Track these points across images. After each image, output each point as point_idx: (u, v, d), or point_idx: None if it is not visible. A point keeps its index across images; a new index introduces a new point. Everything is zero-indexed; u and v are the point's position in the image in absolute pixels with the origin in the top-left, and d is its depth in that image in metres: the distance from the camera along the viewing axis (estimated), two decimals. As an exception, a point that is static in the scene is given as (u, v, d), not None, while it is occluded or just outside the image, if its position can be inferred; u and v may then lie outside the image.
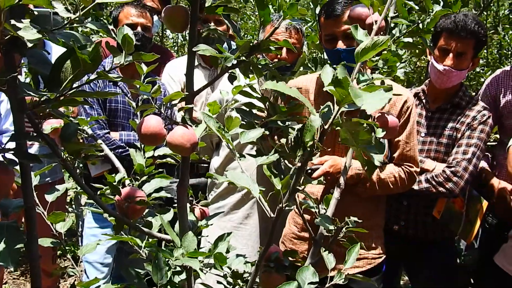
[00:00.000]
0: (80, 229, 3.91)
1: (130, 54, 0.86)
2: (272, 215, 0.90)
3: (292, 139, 0.82)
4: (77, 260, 3.87)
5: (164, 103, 1.14)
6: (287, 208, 0.86)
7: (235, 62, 1.09)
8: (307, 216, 1.98)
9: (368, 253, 2.06)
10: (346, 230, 1.30)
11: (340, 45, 1.95)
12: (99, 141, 1.78)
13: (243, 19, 6.41)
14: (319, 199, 2.00)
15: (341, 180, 1.38)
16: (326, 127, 0.78)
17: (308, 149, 0.78)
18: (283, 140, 0.86)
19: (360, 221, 1.30)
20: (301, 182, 0.85)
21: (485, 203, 2.41)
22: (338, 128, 0.75)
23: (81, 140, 2.35)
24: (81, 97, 0.90)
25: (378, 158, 0.77)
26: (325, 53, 2.59)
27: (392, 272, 2.65)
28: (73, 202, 4.44)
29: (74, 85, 0.83)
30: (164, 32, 6.78)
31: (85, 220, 2.90)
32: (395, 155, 2.02)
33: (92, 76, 0.85)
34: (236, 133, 1.13)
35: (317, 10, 2.68)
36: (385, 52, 1.44)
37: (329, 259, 0.97)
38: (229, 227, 2.45)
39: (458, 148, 2.29)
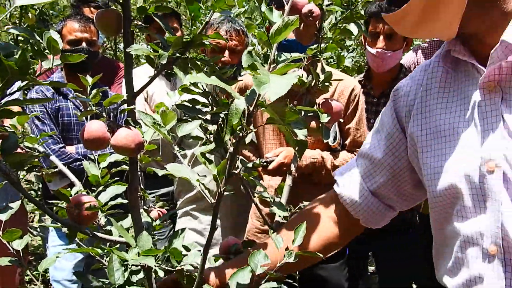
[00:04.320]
0: (47, 251, 3.86)
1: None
2: (213, 201, 0.92)
3: (220, 124, 0.84)
4: (47, 283, 3.80)
5: (106, 107, 1.14)
6: (226, 193, 0.88)
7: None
8: (266, 209, 2.01)
9: (331, 239, 2.10)
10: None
11: (290, 35, 2.00)
12: (53, 157, 1.77)
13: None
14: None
15: (292, 168, 1.41)
16: (251, 109, 0.80)
17: (238, 132, 0.80)
18: (214, 127, 0.89)
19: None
20: (236, 166, 0.87)
21: None
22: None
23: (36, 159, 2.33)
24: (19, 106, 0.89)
25: (302, 133, 0.79)
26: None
27: (360, 259, 2.70)
28: (37, 224, 4.37)
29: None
30: (118, 45, 6.72)
31: (49, 238, 2.86)
32: (347, 142, 2.08)
33: (23, 84, 0.85)
34: (195, 141, 1.14)
35: (263, 7, 2.69)
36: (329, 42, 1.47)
37: (278, 240, 1.00)
38: (200, 228, 2.47)
39: None
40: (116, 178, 1.61)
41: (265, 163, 1.91)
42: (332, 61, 3.66)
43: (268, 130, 2.15)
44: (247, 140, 0.88)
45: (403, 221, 2.52)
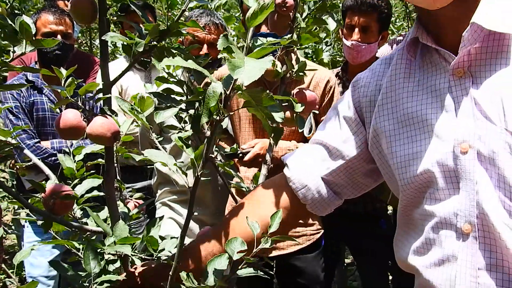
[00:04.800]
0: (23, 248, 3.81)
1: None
2: (190, 185, 0.92)
3: (197, 108, 0.85)
4: (23, 282, 3.76)
5: (81, 95, 1.13)
6: (203, 178, 0.89)
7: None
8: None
9: (307, 230, 2.13)
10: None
11: (264, 29, 2.02)
12: (26, 151, 1.75)
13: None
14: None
15: (267, 157, 1.42)
16: (228, 92, 0.81)
17: (215, 115, 0.81)
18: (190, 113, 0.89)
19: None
20: (213, 150, 0.88)
21: None
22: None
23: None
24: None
25: (279, 116, 0.81)
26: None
27: (335, 249, 2.73)
28: (12, 223, 4.31)
29: None
30: (93, 40, 6.67)
31: (24, 235, 2.83)
32: (323, 133, 2.10)
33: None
34: (173, 134, 1.14)
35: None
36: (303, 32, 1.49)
37: (254, 226, 1.01)
38: (180, 220, 2.47)
39: None
40: (91, 171, 1.60)
41: (240, 154, 1.93)
42: (310, 53, 3.70)
43: (245, 122, 2.17)
44: (224, 125, 0.88)
45: (374, 211, 2.56)
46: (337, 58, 4.40)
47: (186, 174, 0.94)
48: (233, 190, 1.59)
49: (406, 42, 1.05)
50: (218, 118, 0.83)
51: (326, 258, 2.32)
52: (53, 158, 2.52)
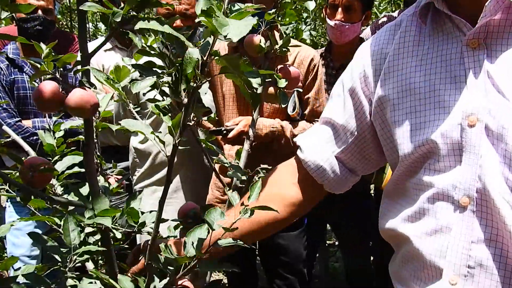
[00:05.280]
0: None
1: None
2: (167, 154, 0.92)
3: (174, 75, 0.84)
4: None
5: (59, 68, 1.12)
6: (180, 147, 0.88)
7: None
8: (227, 180, 2.03)
9: (290, 208, 2.13)
10: (259, 179, 1.34)
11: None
12: (5, 127, 1.72)
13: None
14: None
15: (250, 132, 1.42)
16: (205, 58, 0.80)
17: (192, 82, 0.80)
18: (169, 79, 0.88)
19: (270, 167, 1.35)
20: (191, 118, 0.88)
21: None
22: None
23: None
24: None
25: (256, 81, 0.80)
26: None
27: (318, 228, 2.75)
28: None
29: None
30: (73, 22, 6.60)
31: (6, 215, 2.81)
32: (306, 112, 2.10)
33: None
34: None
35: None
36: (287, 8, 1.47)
37: (234, 197, 1.01)
38: (168, 207, 2.45)
39: None
40: (72, 148, 1.59)
41: (224, 132, 1.92)
42: (290, 33, 3.68)
43: (229, 100, 2.16)
44: (202, 92, 0.87)
45: (355, 192, 2.56)
46: (321, 42, 4.39)
47: (163, 143, 0.93)
48: (217, 167, 1.59)
49: (419, 7, 1.01)
50: (195, 85, 0.83)
51: (308, 237, 2.34)
52: (34, 137, 2.51)
